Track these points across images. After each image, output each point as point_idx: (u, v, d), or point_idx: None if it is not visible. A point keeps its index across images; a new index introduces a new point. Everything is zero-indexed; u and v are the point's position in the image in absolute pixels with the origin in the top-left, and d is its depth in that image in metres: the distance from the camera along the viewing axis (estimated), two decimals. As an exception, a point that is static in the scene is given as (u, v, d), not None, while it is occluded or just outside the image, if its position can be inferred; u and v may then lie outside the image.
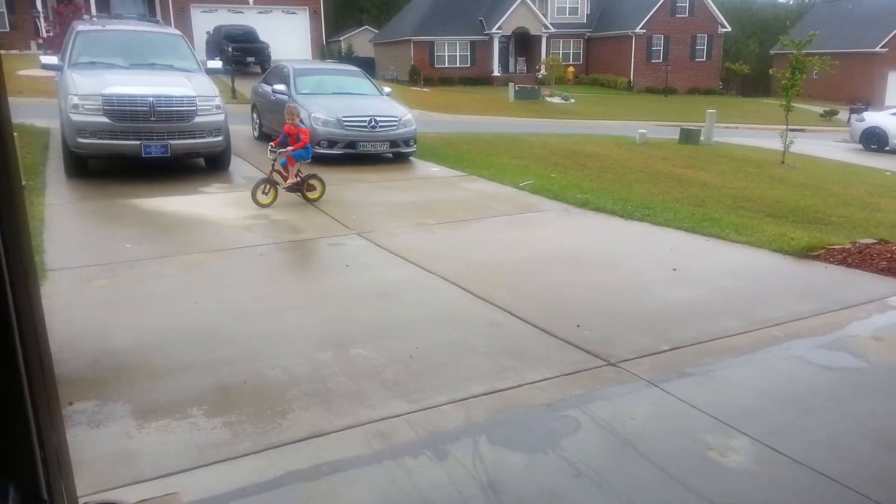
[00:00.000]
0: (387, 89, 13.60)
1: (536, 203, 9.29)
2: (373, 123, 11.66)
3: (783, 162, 14.36)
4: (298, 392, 3.92)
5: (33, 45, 31.30)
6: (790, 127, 14.98)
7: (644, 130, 17.27)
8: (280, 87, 12.67)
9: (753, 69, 46.02)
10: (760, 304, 5.39)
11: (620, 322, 5.00)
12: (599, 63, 45.55)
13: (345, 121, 11.49)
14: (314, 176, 8.84)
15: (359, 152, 11.64)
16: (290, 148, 8.69)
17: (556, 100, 34.17)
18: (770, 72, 18.13)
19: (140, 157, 9.63)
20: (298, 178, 8.70)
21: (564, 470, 3.16)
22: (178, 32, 12.03)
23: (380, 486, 3.04)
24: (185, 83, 10.15)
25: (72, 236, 7.33)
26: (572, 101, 34.30)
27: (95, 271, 6.15)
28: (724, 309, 5.28)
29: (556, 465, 3.20)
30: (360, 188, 10.05)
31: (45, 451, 2.54)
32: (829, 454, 3.34)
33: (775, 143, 14.90)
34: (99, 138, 9.38)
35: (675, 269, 6.24)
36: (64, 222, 7.82)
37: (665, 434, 3.49)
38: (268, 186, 8.57)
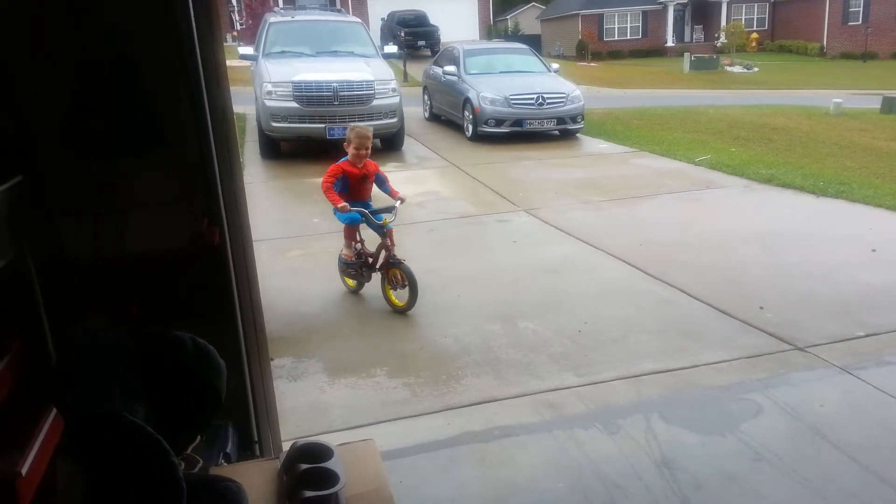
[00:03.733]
0: (555, 66, 13.48)
1: (714, 179, 8.83)
2: (540, 101, 11.63)
3: None
4: (469, 360, 4.09)
5: (228, 37, 34.34)
6: None
7: (839, 100, 15.67)
8: (450, 68, 12.98)
9: (977, 26, 39.98)
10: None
11: (809, 305, 4.68)
12: (787, 28, 41.75)
13: (512, 99, 11.56)
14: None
15: (526, 130, 11.68)
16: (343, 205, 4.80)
17: (737, 69, 31.89)
18: None
19: (325, 139, 10.33)
20: (358, 250, 5.17)
21: (743, 453, 3.06)
22: (357, 20, 12.70)
23: (550, 453, 3.12)
24: (364, 68, 10.72)
25: (267, 211, 8.04)
26: (755, 70, 31.86)
27: (287, 243, 6.75)
28: (932, 294, 4.76)
29: (735, 448, 3.10)
30: (527, 165, 10.09)
31: (256, 398, 2.88)
32: None
33: None
34: (289, 122, 10.20)
35: (874, 251, 5.70)
36: (259, 198, 8.60)
37: (859, 424, 3.25)
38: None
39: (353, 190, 4.91)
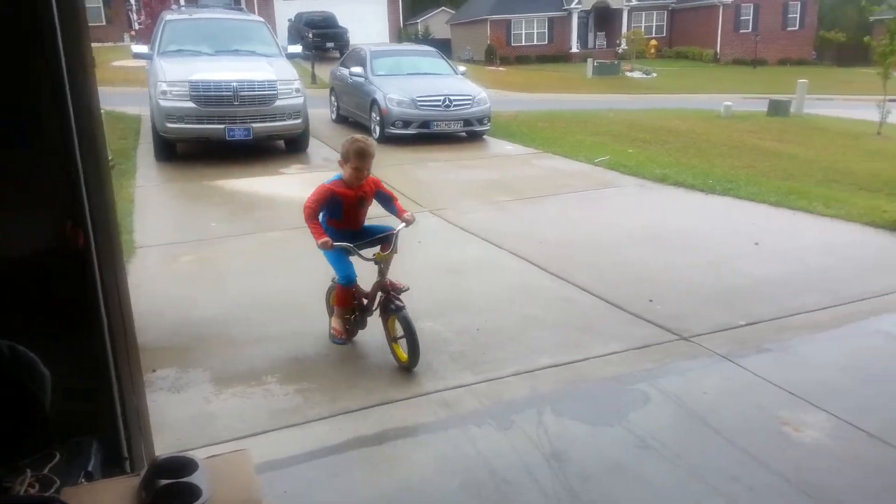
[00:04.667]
0: (461, 68, 13.58)
1: (612, 179, 9.09)
2: (447, 102, 11.68)
3: (879, 133, 13.46)
4: (367, 363, 4.02)
5: (126, 37, 32.86)
6: (891, 97, 14.02)
7: (729, 103, 16.53)
8: (357, 69, 12.84)
9: (851, 37, 43.13)
10: (847, 278, 5.12)
11: (696, 297, 4.86)
12: (684, 35, 43.80)
13: (419, 100, 11.55)
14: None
15: (433, 131, 11.69)
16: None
17: (637, 75, 33.16)
18: (865, 39, 16.83)
19: (224, 140, 9.99)
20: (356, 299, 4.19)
21: (630, 442, 3.12)
22: (260, 19, 12.38)
23: (443, 453, 3.09)
24: (266, 68, 10.44)
25: (159, 215, 7.69)
26: (654, 75, 33.21)
27: (181, 248, 6.45)
28: (808, 284, 5.05)
29: (622, 438, 3.16)
30: (434, 167, 10.10)
31: (126, 412, 2.70)
32: (916, 433, 3.16)
33: (872, 115, 14.00)
34: (186, 123, 9.80)
35: (757, 244, 6.00)
36: (152, 202, 8.21)
37: (738, 409, 3.39)
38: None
39: (346, 216, 3.96)
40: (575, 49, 42.81)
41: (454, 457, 3.05)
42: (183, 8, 12.03)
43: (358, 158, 3.80)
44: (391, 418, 3.39)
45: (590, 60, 33.41)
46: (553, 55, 41.84)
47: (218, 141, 10.07)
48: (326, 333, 4.37)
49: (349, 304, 4.11)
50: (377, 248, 3.99)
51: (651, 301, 4.76)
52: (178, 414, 3.52)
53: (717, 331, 4.26)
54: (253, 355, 4.16)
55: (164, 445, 3.13)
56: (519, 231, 6.70)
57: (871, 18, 40.97)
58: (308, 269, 5.77)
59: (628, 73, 33.25)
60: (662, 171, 9.19)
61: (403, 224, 3.95)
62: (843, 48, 42.91)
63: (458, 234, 6.70)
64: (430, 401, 3.55)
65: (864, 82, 16.21)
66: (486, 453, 3.06)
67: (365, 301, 4.13)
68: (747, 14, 41.65)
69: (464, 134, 12.32)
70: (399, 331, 3.91)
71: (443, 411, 3.45)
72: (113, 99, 15.60)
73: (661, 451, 3.04)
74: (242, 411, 3.52)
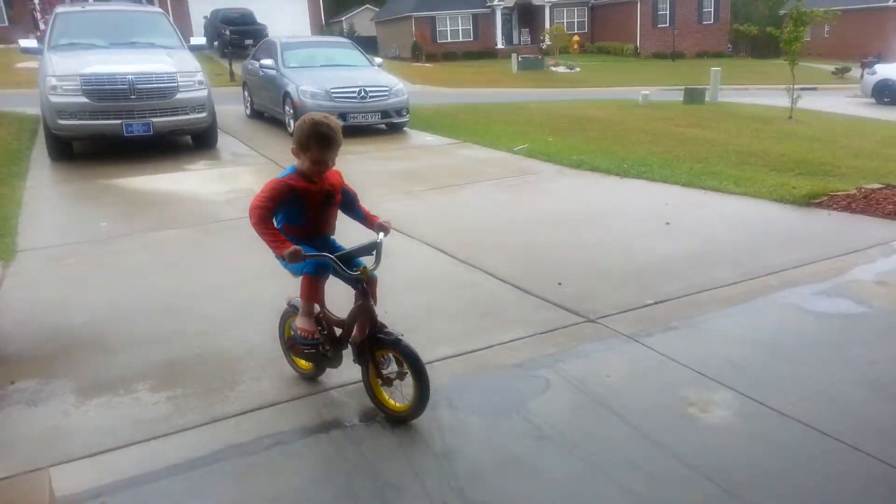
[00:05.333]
0: (378, 60, 13.25)
1: (530, 166, 8.95)
2: (362, 94, 11.33)
3: (790, 117, 13.82)
4: (253, 364, 3.66)
5: (33, 38, 31.12)
6: (801, 86, 14.41)
7: (647, 92, 16.75)
8: (268, 61, 12.35)
9: (763, 31, 44.87)
10: (756, 253, 5.06)
11: (606, 278, 4.70)
12: (605, 31, 44.64)
13: (333, 92, 11.16)
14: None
15: (350, 124, 11.28)
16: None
17: (561, 69, 33.53)
18: (768, 30, 17.36)
19: (122, 137, 9.39)
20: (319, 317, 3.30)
21: (528, 433, 2.88)
22: (159, 10, 11.75)
23: (323, 458, 2.79)
24: (165, 60, 9.87)
25: (48, 217, 7.10)
26: (577, 69, 33.64)
27: (66, 250, 5.94)
28: (717, 260, 4.96)
29: (520, 429, 2.92)
30: (349, 160, 9.72)
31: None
32: (820, 406, 3.03)
33: (785, 102, 14.38)
34: (79, 119, 9.15)
35: (667, 223, 5.91)
36: (42, 204, 7.60)
37: (642, 391, 3.20)
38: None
39: (311, 220, 3.05)
40: (500, 45, 43.09)
41: (335, 462, 2.75)
42: (76, 1, 11.21)
43: (320, 148, 2.87)
44: (271, 423, 3.05)
45: (514, 56, 33.60)
46: (479, 51, 42.01)
47: (115, 137, 9.45)
48: (206, 332, 4.01)
49: (317, 296, 3.18)
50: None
51: (560, 284, 4.57)
52: (30, 430, 3.10)
53: (625, 311, 4.09)
54: (126, 361, 3.75)
55: (9, 466, 2.74)
56: (431, 219, 6.44)
57: (781, 12, 42.61)
58: (198, 269, 5.39)
59: (552, 68, 33.59)
60: (579, 157, 9.10)
61: (382, 234, 3.07)
62: (757, 41, 44.57)
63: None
64: (316, 401, 3.24)
65: (778, 73, 16.66)
66: (371, 456, 2.77)
67: (338, 331, 3.18)
68: (664, 9, 42.77)
69: (383, 126, 12.02)
70: (390, 366, 3.00)
71: (329, 412, 3.14)
72: (13, 101, 14.66)
73: (559, 440, 2.82)
74: (105, 423, 3.13)
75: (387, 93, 11.60)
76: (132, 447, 2.92)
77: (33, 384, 3.54)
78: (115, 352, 3.90)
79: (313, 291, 3.13)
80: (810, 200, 6.27)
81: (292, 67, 12.02)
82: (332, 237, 3.21)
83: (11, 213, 7.01)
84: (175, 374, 3.58)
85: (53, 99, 9.06)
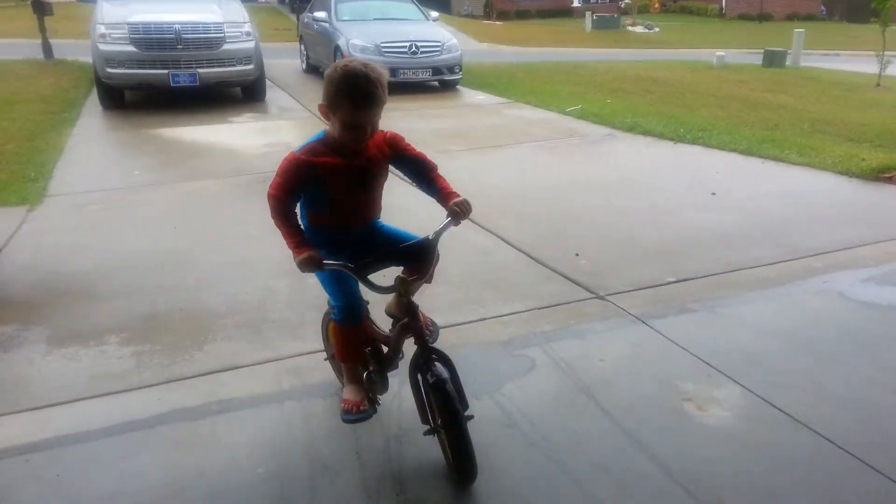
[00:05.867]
0: (434, 14, 12.77)
1: (578, 128, 8.43)
2: (413, 49, 10.94)
3: (878, 85, 12.63)
4: (230, 322, 3.47)
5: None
6: (892, 52, 13.17)
7: (722, 53, 15.65)
8: (321, 14, 12.10)
9: (865, -9, 41.57)
10: (804, 230, 4.52)
11: (628, 251, 4.28)
12: (690, -11, 42.27)
13: (383, 46, 10.82)
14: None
15: (399, 80, 10.97)
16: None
17: (639, 29, 32.00)
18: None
19: (168, 87, 9.36)
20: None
21: (494, 420, 2.57)
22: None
23: (268, 430, 2.56)
24: (213, 10, 9.75)
25: (85, 164, 7.12)
26: (656, 30, 32.04)
27: (92, 197, 5.92)
28: (760, 236, 4.45)
29: (487, 414, 2.60)
30: (394, 116, 9.41)
31: None
32: (841, 413, 2.59)
33: (875, 69, 13.17)
34: (127, 68, 9.16)
35: (713, 194, 5.38)
36: (83, 151, 7.63)
37: (636, 380, 2.83)
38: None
39: (338, 205, 2.27)
40: (577, 3, 41.52)
41: (278, 436, 2.52)
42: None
43: (353, 107, 2.05)
44: (225, 388, 2.85)
45: (588, 14, 32.22)
46: (555, 10, 40.57)
47: (163, 87, 9.43)
48: (197, 287, 3.84)
49: (360, 352, 2.43)
50: (399, 268, 2.37)
51: (577, 255, 4.18)
52: (-14, 378, 3.00)
53: (640, 288, 3.68)
54: (108, 312, 3.63)
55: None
56: (459, 180, 5.95)
57: (886, -29, 39.19)
58: (212, 222, 5.24)
59: (629, 28, 32.11)
60: (634, 119, 8.52)
61: (450, 219, 2.23)
62: (854, 4, 41.37)
63: (394, 184, 6.09)
64: (279, 367, 3.01)
65: (874, 38, 15.22)
66: (319, 433, 2.53)
67: (384, 348, 2.47)
68: (756, -33, 40.06)
69: (435, 84, 11.62)
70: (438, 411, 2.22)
71: (289, 380, 2.90)
72: (82, 51, 14.97)
73: (526, 431, 2.50)
74: (62, 376, 3.00)
75: (439, 48, 11.18)
76: (78, 403, 2.78)
77: (11, 330, 3.45)
78: (100, 301, 3.79)
79: (350, 349, 2.37)
80: (879, 174, 5.60)
81: (344, 21, 11.72)
82: (377, 221, 2.44)
83: (50, 159, 7.06)
84: (149, 329, 3.42)
85: (102, 47, 9.09)
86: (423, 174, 2.34)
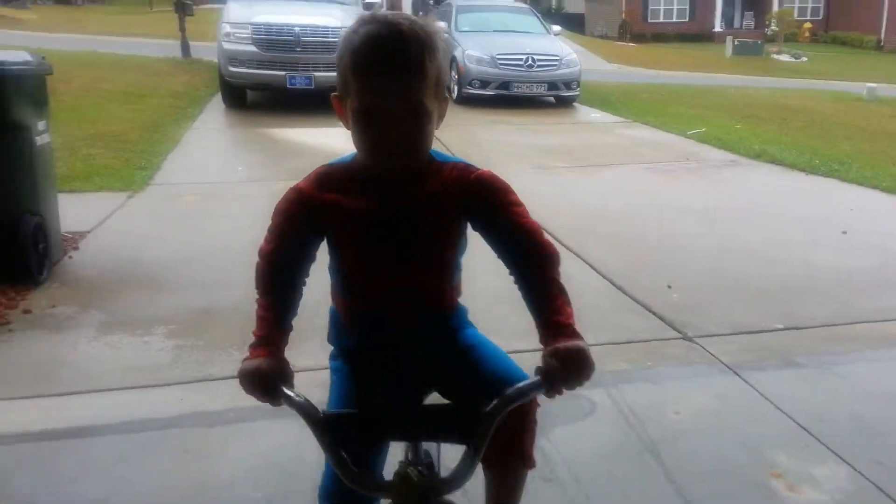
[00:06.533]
0: (556, 28, 12.45)
1: (698, 152, 7.81)
2: (529, 62, 10.64)
3: None
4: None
5: None
6: None
7: (874, 85, 14.24)
8: (442, 24, 12.06)
9: None
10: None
11: (731, 289, 3.74)
12: (843, 19, 39.35)
13: (499, 58, 10.59)
14: None
15: (513, 94, 10.70)
16: None
17: (784, 57, 30.03)
18: None
19: (286, 88, 9.56)
20: None
21: (534, 470, 2.19)
22: (339, -35, 11.80)
23: (280, 448, 2.31)
24: (335, 14, 9.88)
25: (194, 157, 7.34)
26: (804, 59, 29.95)
27: (191, 188, 6.05)
28: (892, 285, 3.77)
29: (528, 460, 2.23)
30: (500, 129, 9.15)
31: None
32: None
33: None
34: (248, 67, 9.43)
35: (844, 233, 4.69)
36: (197, 145, 7.90)
37: (716, 442, 2.35)
38: None
39: (361, 278, 1.37)
40: (719, 28, 39.75)
41: (288, 457, 2.26)
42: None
43: (364, 77, 1.16)
44: (248, 396, 2.63)
45: (729, 39, 30.67)
46: (695, 34, 39.00)
47: (280, 88, 9.65)
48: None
49: None
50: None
51: (669, 287, 3.70)
52: (30, 358, 2.97)
53: (737, 332, 3.17)
54: (164, 303, 3.56)
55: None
56: (557, 198, 5.70)
57: None
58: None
59: (775, 56, 30.22)
60: (762, 146, 7.78)
61: (537, 379, 1.17)
62: None
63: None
64: (311, 379, 2.73)
65: None
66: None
67: None
68: (922, -5, 36.77)
69: (551, 99, 11.25)
70: None
71: (317, 394, 2.64)
72: (215, 52, 15.82)
73: (569, 489, 2.10)
74: (99, 364, 2.92)
75: (556, 62, 10.81)
76: (102, 394, 2.66)
77: (70, 311, 3.45)
78: (163, 292, 3.73)
79: None
80: None
81: (464, 31, 11.61)
82: (449, 315, 1.46)
83: (163, 150, 7.32)
84: (198, 324, 3.31)
85: (226, 46, 9.41)
86: (523, 265, 1.28)
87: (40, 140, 3.82)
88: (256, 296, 1.32)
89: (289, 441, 2.35)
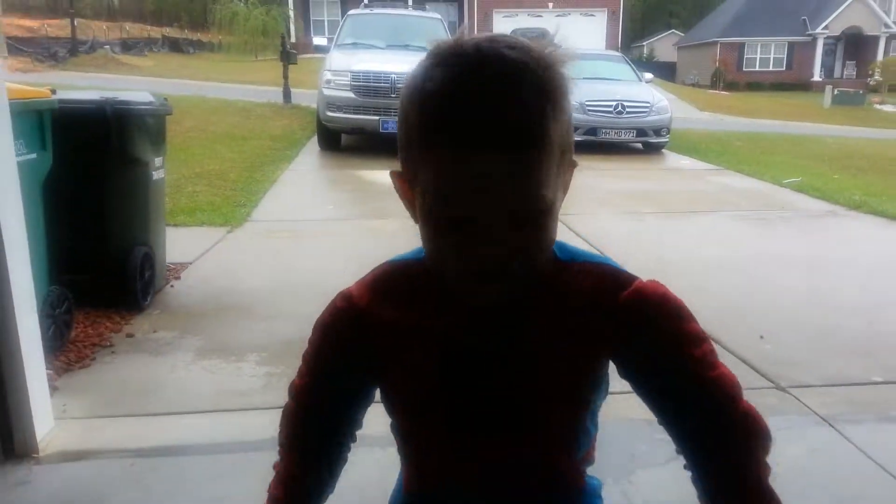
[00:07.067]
0: (648, 76, 12.42)
1: (794, 201, 7.56)
2: (619, 108, 10.65)
3: None
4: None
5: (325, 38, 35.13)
6: None
7: None
8: (567, 49, 12.27)
9: None
10: None
11: (828, 341, 3.58)
12: (958, 66, 37.40)
13: (587, 104, 10.65)
14: None
15: (601, 140, 10.71)
16: None
17: (888, 108, 28.74)
18: None
19: (379, 132, 9.94)
20: None
21: (614, 511, 2.16)
22: (437, 16, 12.26)
23: (361, 478, 2.36)
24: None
25: (289, 196, 7.70)
26: (910, 109, 28.57)
27: (286, 225, 6.34)
28: None
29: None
30: (586, 174, 9.11)
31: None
32: None
33: None
34: (344, 112, 9.90)
35: (953, 290, 4.43)
36: (293, 185, 8.29)
37: (807, 495, 2.24)
38: None
39: (417, 440, 0.95)
40: (818, 77, 38.57)
41: (368, 484, 2.32)
42: (368, 3, 12.26)
43: (440, 153, 0.75)
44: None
45: (828, 88, 29.63)
46: (792, 83, 38.00)
47: (373, 132, 10.03)
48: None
49: None
50: None
51: (761, 337, 3.58)
52: (129, 377, 3.16)
53: (833, 384, 3.02)
54: (258, 331, 3.72)
55: (81, 407, 2.80)
56: (641, 244, 5.64)
57: None
58: (384, 257, 5.33)
59: (877, 106, 28.96)
60: (863, 197, 7.45)
61: None
62: None
63: (569, 241, 5.81)
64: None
65: None
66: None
67: None
68: None
69: (640, 146, 11.18)
70: None
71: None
72: (315, 99, 16.65)
73: (649, 533, 2.06)
74: (194, 387, 3.07)
75: (647, 109, 10.77)
76: (198, 415, 2.81)
77: (169, 336, 3.65)
78: (256, 320, 3.91)
79: None
80: None
81: (552, 79, 11.75)
82: (578, 498, 1.00)
83: (262, 189, 7.72)
84: (289, 352, 3.36)
85: (326, 91, 9.91)
86: (703, 449, 0.89)
87: (156, 175, 4.13)
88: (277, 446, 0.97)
89: (371, 470, 2.42)
